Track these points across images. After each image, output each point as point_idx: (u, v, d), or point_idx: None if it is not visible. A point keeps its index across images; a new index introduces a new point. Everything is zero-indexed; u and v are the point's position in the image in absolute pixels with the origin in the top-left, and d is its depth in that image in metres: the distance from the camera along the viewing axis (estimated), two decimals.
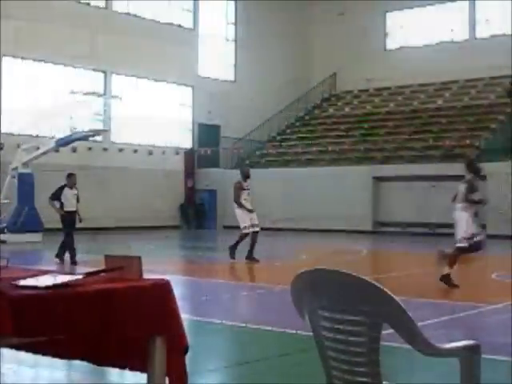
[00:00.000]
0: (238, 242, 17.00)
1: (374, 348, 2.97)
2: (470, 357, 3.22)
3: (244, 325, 8.64)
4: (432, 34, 39.00)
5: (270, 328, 8.42)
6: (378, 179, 30.79)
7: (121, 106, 33.05)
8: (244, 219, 16.94)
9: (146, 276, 3.62)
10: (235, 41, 39.19)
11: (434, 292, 12.02)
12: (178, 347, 3.48)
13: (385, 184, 30.75)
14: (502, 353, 6.83)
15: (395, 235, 28.86)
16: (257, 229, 16.84)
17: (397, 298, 2.92)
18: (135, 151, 32.98)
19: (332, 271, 3.03)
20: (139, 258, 3.64)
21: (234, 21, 39.14)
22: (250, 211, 16.99)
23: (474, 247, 12.47)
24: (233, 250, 16.93)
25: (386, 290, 2.92)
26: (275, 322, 8.71)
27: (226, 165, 36.32)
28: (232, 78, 39.12)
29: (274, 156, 36.36)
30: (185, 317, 3.59)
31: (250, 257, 16.61)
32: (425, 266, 17.32)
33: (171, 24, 35.28)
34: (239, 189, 17.24)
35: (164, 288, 3.47)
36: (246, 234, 16.89)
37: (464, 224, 12.39)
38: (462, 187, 12.60)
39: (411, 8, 39.82)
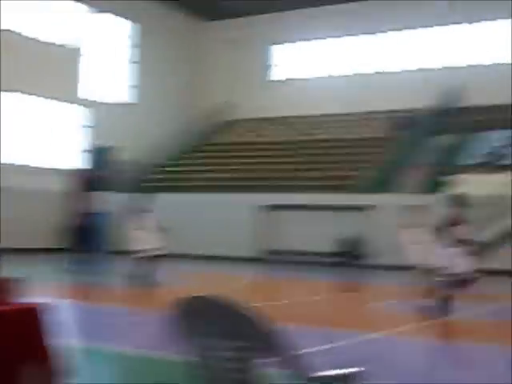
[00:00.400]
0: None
1: (251, 374, 2.97)
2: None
3: (126, 350, 8.53)
4: (318, 68, 40.08)
5: (148, 353, 8.34)
6: (265, 208, 31.07)
7: (8, 124, 32.20)
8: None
9: (22, 299, 3.51)
10: (132, 63, 38.96)
11: (318, 320, 12.17)
12: (45, 373, 3.38)
13: (272, 213, 31.04)
14: (385, 380, 6.96)
15: (281, 263, 29.12)
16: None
17: (276, 327, 2.93)
18: (25, 171, 32.16)
19: (209, 299, 3.02)
20: (8, 279, 3.51)
21: (131, 43, 38.95)
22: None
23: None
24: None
25: (264, 318, 2.92)
26: (153, 346, 8.63)
27: (119, 188, 35.85)
28: (128, 100, 38.81)
29: (169, 181, 36.17)
30: (69, 342, 3.48)
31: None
32: (310, 294, 17.55)
33: (59, 45, 34.70)
34: None
35: (30, 313, 3.35)
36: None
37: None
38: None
39: (298, 41, 40.93)
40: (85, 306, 13.77)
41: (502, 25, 35.55)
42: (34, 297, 4.09)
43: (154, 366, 8.06)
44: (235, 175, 34.49)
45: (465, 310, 12.48)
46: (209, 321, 3.05)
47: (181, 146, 40.02)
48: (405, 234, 16.91)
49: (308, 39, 40.66)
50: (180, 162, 38.44)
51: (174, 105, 40.10)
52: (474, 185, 26.78)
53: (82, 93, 35.62)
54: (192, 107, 41.32)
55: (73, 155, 35.51)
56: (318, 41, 40.39)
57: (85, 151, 35.99)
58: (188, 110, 40.86)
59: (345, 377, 3.29)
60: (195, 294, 3.10)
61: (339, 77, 39.38)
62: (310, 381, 3.10)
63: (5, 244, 28.59)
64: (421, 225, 16.03)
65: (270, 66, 41.92)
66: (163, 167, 38.12)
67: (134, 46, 38.93)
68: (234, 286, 18.15)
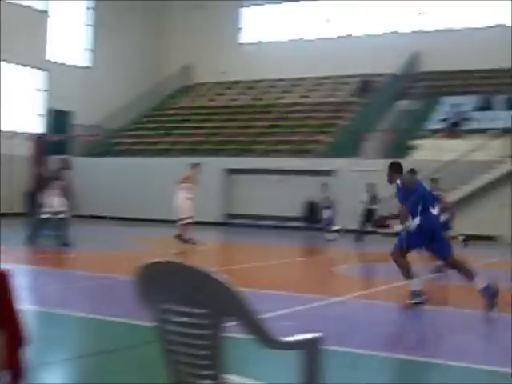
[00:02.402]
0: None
1: (217, 340, 3.00)
2: (311, 349, 3.30)
3: (88, 316, 8.53)
4: (286, 31, 39.72)
5: (115, 319, 8.35)
6: (230, 171, 31.04)
7: None
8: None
9: None
10: (92, 26, 38.42)
11: (279, 284, 12.27)
12: (15, 339, 3.38)
13: (236, 176, 31.04)
14: (342, 344, 7.07)
15: (245, 227, 29.22)
16: None
17: (240, 291, 2.96)
18: None
19: (174, 264, 3.04)
20: None
21: (91, 6, 38.36)
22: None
23: None
24: None
25: (227, 282, 2.94)
26: (121, 313, 8.64)
27: (78, 152, 35.59)
28: (87, 63, 38.34)
29: (127, 145, 35.95)
30: (27, 308, 3.49)
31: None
32: (271, 258, 17.66)
33: (22, 6, 34.11)
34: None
35: (1, 278, 3.35)
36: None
37: None
38: None
39: (268, 4, 40.50)
40: (42, 271, 13.72)
41: None
42: None
43: (115, 330, 8.08)
44: (199, 139, 34.40)
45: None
46: (169, 286, 3.07)
47: (143, 110, 39.73)
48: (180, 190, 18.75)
49: (278, 1, 40.35)
50: (140, 126, 38.19)
51: (136, 68, 39.69)
52: (436, 150, 27.08)
53: (41, 56, 35.12)
54: (156, 71, 40.94)
55: (30, 119, 35.12)
56: (287, 3, 40.07)
57: (42, 115, 35.59)
58: (152, 74, 40.48)
59: (308, 342, 3.34)
60: (156, 259, 3.11)
61: (306, 40, 39.15)
62: (273, 346, 3.14)
63: None
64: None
65: (239, 28, 41.52)
66: (123, 131, 37.85)
67: (97, 8, 38.38)
68: (196, 250, 18.17)
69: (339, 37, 38.26)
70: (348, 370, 6.44)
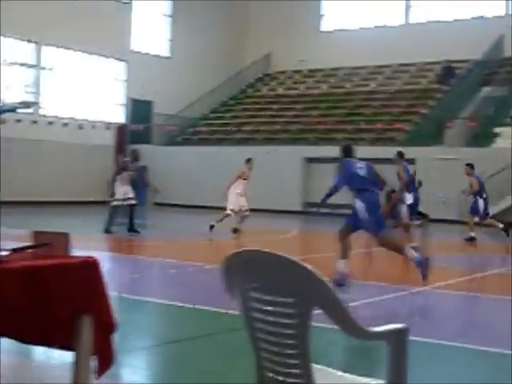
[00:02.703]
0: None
1: (303, 330, 2.97)
2: (398, 340, 3.24)
3: (173, 303, 8.61)
4: (367, 18, 39.26)
5: (199, 307, 8.40)
6: (309, 160, 30.94)
7: (52, 79, 32.44)
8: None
9: (73, 253, 3.56)
10: (171, 16, 38.79)
11: (361, 274, 12.17)
12: (105, 326, 3.43)
13: (315, 165, 30.90)
14: (427, 335, 6.95)
15: (324, 216, 29.06)
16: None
17: (327, 280, 2.92)
18: (65, 125, 32.42)
19: (263, 252, 3.01)
20: (67, 234, 3.57)
21: None
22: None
23: None
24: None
25: (315, 271, 2.91)
26: (205, 300, 8.69)
27: (158, 141, 36.05)
28: (167, 53, 38.75)
29: (206, 134, 36.21)
30: (113, 294, 3.54)
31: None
32: (353, 247, 17.50)
33: None
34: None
35: (92, 266, 3.41)
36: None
37: None
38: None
39: None
40: (133, 259, 13.92)
41: None
42: (80, 250, 4.13)
43: (197, 317, 8.14)
44: (278, 127, 34.39)
45: None
46: (256, 274, 3.05)
47: (222, 99, 39.95)
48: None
49: None
50: (219, 115, 38.39)
51: (215, 57, 39.87)
52: None
53: (123, 46, 35.64)
54: (235, 60, 41.05)
55: (112, 109, 35.71)
56: None
57: (123, 105, 36.13)
58: (231, 63, 40.60)
59: (395, 332, 3.28)
60: (243, 248, 3.10)
61: (388, 27, 38.60)
62: (360, 336, 3.09)
63: (48, 198, 29.01)
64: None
65: (320, 15, 41.20)
66: (202, 120, 38.13)
67: None
68: (278, 239, 18.19)
69: (420, 23, 37.61)
70: (433, 361, 6.33)
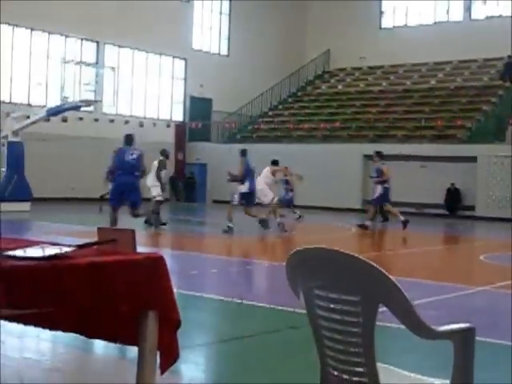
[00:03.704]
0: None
1: (369, 328, 2.94)
2: (464, 340, 3.19)
3: (234, 300, 8.63)
4: (427, 14, 38.85)
5: (260, 304, 8.41)
6: (369, 158, 30.71)
7: (113, 77, 32.84)
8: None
9: (138, 249, 3.58)
10: (229, 14, 38.93)
11: (423, 272, 12.05)
12: (170, 322, 3.45)
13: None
14: (493, 336, 6.84)
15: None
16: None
17: (392, 278, 2.89)
18: (126, 122, 32.75)
19: (328, 250, 2.99)
20: (133, 231, 3.59)
21: None
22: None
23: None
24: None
25: (382, 269, 2.88)
26: (265, 298, 8.70)
27: (217, 139, 36.23)
28: (225, 51, 38.91)
29: (265, 131, 36.25)
30: (175, 291, 3.55)
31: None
32: (412, 245, 17.38)
33: None
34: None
35: (157, 262, 3.43)
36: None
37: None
38: None
39: None
40: (195, 256, 14.00)
41: None
42: (144, 247, 4.16)
43: (257, 314, 8.14)
44: (338, 125, 34.24)
45: None
46: (321, 272, 3.03)
47: (281, 97, 39.95)
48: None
49: None
50: (278, 113, 38.39)
51: (274, 55, 39.87)
52: None
53: (183, 45, 35.90)
54: (294, 57, 41.00)
55: (172, 107, 36.00)
56: None
57: (182, 102, 36.39)
58: (290, 61, 40.55)
59: (461, 332, 3.22)
60: (306, 246, 3.08)
61: (450, 22, 38.13)
62: (426, 335, 3.06)
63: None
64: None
65: (381, 12, 40.89)
66: (261, 118, 38.19)
67: None
68: (338, 236, 18.13)
69: (481, 19, 37.03)
70: (499, 362, 6.22)
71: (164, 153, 19.83)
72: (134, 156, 15.47)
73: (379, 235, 21.48)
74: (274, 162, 20.88)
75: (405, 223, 19.64)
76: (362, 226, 20.17)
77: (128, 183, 15.44)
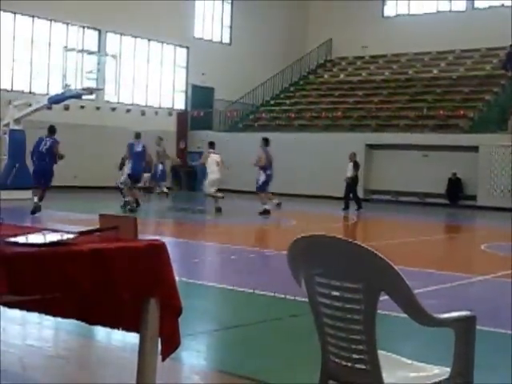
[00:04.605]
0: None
1: (370, 315, 2.95)
2: (465, 327, 3.20)
3: (235, 288, 8.64)
4: (430, 3, 38.72)
5: (261, 292, 8.42)
6: (371, 147, 30.72)
7: (115, 65, 32.74)
8: None
9: (139, 237, 3.58)
10: (231, 3, 38.82)
11: (423, 261, 12.06)
12: (171, 309, 3.46)
13: (377, 152, 30.70)
14: (494, 324, 6.85)
15: (385, 203, 28.90)
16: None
17: (395, 266, 2.89)
18: (128, 111, 32.77)
19: (330, 237, 3.00)
20: (135, 218, 3.60)
21: None
22: None
23: None
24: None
25: (383, 257, 2.89)
26: (267, 286, 8.71)
27: (219, 127, 36.20)
28: (227, 40, 38.83)
29: (267, 120, 36.22)
30: (176, 278, 3.56)
31: None
32: (413, 235, 17.38)
33: None
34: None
35: (159, 249, 3.44)
36: None
37: None
38: None
39: None
40: (196, 244, 14.01)
41: None
42: (146, 234, 4.16)
43: (259, 302, 8.15)
44: (339, 114, 34.20)
45: None
46: (323, 259, 3.03)
47: (283, 85, 39.88)
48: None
49: None
50: (280, 101, 38.33)
51: (276, 44, 39.77)
52: None
53: (185, 33, 35.83)
54: (296, 46, 40.89)
55: (174, 95, 35.95)
56: None
57: (184, 91, 36.34)
58: (292, 49, 40.45)
59: (463, 320, 3.23)
60: (306, 234, 3.08)
61: (452, 12, 37.99)
62: (428, 323, 3.06)
63: (111, 183, 29.32)
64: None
65: (384, 1, 40.74)
66: (263, 107, 38.14)
67: None
68: (339, 225, 18.13)
69: (484, 8, 36.92)
70: (497, 350, 6.23)
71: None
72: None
73: (379, 225, 21.49)
74: (211, 144, 22.30)
75: (278, 204, 20.82)
76: (265, 212, 19.97)
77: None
